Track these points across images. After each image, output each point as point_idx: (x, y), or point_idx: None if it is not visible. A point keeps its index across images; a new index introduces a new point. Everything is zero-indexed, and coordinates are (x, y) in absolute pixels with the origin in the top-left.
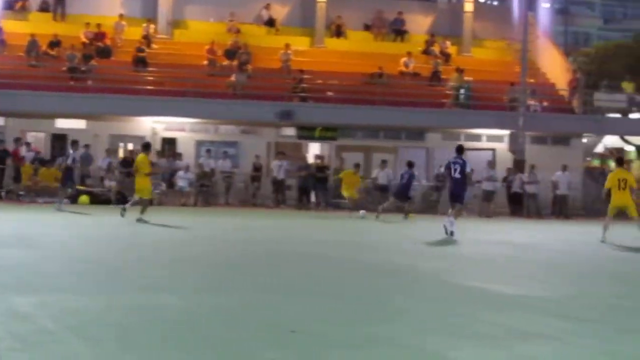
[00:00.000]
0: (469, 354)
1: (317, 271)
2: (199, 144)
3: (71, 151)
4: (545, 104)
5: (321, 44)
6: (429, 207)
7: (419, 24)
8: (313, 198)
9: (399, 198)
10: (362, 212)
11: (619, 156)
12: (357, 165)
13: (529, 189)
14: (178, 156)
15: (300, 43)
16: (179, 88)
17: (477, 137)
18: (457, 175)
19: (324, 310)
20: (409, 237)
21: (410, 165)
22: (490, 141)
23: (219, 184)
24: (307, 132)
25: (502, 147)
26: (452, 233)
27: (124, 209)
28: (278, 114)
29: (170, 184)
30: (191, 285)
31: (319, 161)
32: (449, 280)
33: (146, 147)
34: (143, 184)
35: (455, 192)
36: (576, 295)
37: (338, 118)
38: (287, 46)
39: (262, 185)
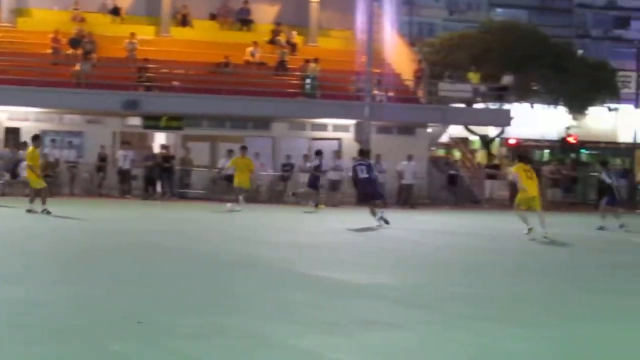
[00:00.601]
0: (312, 341)
1: (165, 262)
2: (44, 133)
3: None
4: (390, 93)
5: (167, 33)
6: (275, 197)
7: (265, 13)
8: (159, 188)
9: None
10: (229, 205)
11: (523, 153)
12: (243, 148)
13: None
14: (22, 146)
15: (145, 32)
16: (23, 77)
17: (324, 127)
18: (365, 175)
19: (171, 300)
20: (265, 227)
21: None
22: (337, 131)
23: (63, 174)
24: (153, 122)
25: (349, 136)
26: (386, 221)
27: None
28: (123, 104)
29: (14, 175)
30: (38, 277)
31: (164, 151)
32: (296, 269)
33: (35, 139)
34: (32, 176)
35: (368, 191)
36: (422, 284)
37: (184, 108)
38: (133, 35)
39: (107, 175)
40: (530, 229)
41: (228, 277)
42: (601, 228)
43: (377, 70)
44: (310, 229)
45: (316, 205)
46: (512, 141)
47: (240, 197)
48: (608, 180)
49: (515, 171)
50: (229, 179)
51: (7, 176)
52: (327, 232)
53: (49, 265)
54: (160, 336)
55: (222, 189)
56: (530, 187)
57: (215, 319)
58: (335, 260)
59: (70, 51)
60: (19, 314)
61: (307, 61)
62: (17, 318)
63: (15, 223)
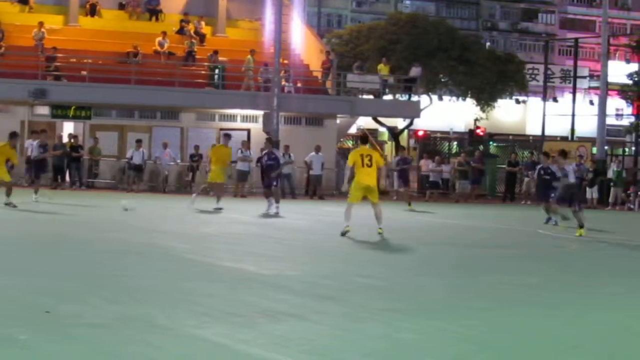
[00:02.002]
0: (216, 332)
1: (70, 253)
2: None
3: None
4: (299, 84)
5: (75, 22)
6: (182, 187)
7: (174, 3)
8: (68, 177)
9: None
10: (193, 195)
11: (363, 133)
12: (226, 136)
13: (284, 169)
14: None
15: (54, 21)
16: None
17: (232, 117)
18: (266, 164)
19: (77, 291)
20: (170, 217)
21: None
22: (245, 121)
23: None
24: (61, 111)
25: (257, 127)
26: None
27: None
28: (31, 93)
29: None
30: None
31: (72, 140)
32: (201, 260)
33: (12, 136)
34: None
35: (265, 182)
36: (327, 275)
37: (92, 97)
38: (41, 24)
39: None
40: (347, 228)
41: (133, 267)
42: (549, 221)
43: (286, 62)
44: (217, 220)
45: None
46: (420, 133)
47: (197, 192)
48: (559, 174)
49: (351, 157)
50: (138, 168)
51: None
52: (233, 222)
53: None
54: (67, 326)
55: (130, 179)
56: (364, 175)
57: (121, 309)
58: (241, 251)
59: None
60: None
61: (215, 52)
62: None
63: None
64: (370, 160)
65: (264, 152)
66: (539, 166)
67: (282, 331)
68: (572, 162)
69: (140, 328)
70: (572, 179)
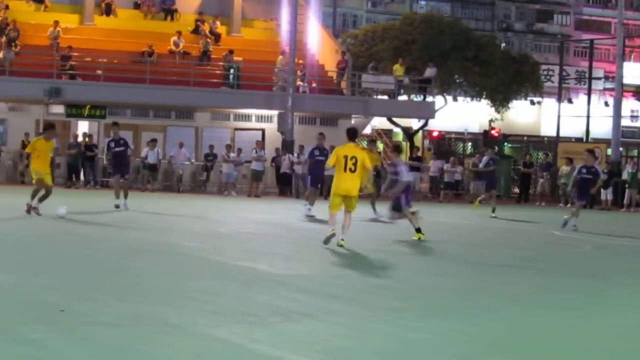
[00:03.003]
0: (230, 331)
1: (84, 251)
2: None
3: None
4: (314, 84)
5: (90, 21)
6: (198, 187)
7: (189, 3)
8: (82, 176)
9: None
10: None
11: (351, 128)
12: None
13: (298, 169)
14: None
15: (69, 20)
16: None
17: (247, 117)
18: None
19: (90, 290)
20: (185, 216)
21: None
22: (260, 121)
23: None
24: (76, 110)
25: (272, 127)
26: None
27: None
28: (46, 92)
29: None
30: None
31: (87, 140)
32: (214, 259)
33: (48, 128)
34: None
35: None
36: (341, 275)
37: (107, 96)
38: (56, 23)
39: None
40: (332, 232)
41: (146, 266)
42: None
43: (301, 61)
44: (230, 219)
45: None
46: (435, 134)
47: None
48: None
49: (333, 155)
50: (152, 167)
51: None
52: (247, 222)
53: None
54: (79, 325)
55: (145, 178)
56: (344, 181)
57: (133, 307)
58: (254, 250)
59: None
60: None
61: (231, 51)
62: None
63: None
64: (355, 163)
65: (314, 147)
66: (580, 165)
67: (295, 331)
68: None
69: (153, 327)
70: (406, 177)
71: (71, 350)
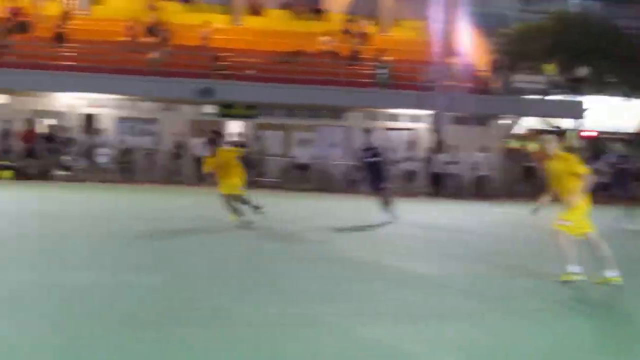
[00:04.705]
0: (383, 331)
1: (232, 252)
2: (120, 120)
3: None
4: (465, 84)
5: (239, 22)
6: (350, 187)
7: (338, 3)
8: None
9: None
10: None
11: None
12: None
13: (450, 169)
14: (98, 132)
15: (218, 21)
16: (99, 64)
17: (397, 117)
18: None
19: (242, 291)
20: (332, 217)
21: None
22: (411, 121)
23: (139, 161)
24: (228, 110)
25: (422, 127)
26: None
27: None
28: (198, 92)
29: (90, 160)
30: (111, 264)
31: (242, 140)
32: (366, 260)
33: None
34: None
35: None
36: (494, 277)
37: (258, 96)
38: (207, 24)
39: (183, 162)
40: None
41: (294, 268)
42: None
43: (452, 61)
44: (379, 220)
45: None
46: (586, 134)
47: None
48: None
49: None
50: (303, 167)
51: (83, 161)
52: (394, 222)
53: (118, 251)
54: (233, 325)
55: (296, 177)
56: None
57: (282, 308)
58: (402, 250)
59: (145, 39)
60: (89, 300)
61: (381, 51)
62: (88, 304)
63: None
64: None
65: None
66: None
67: (451, 332)
68: None
69: (308, 327)
70: None
71: (220, 349)
